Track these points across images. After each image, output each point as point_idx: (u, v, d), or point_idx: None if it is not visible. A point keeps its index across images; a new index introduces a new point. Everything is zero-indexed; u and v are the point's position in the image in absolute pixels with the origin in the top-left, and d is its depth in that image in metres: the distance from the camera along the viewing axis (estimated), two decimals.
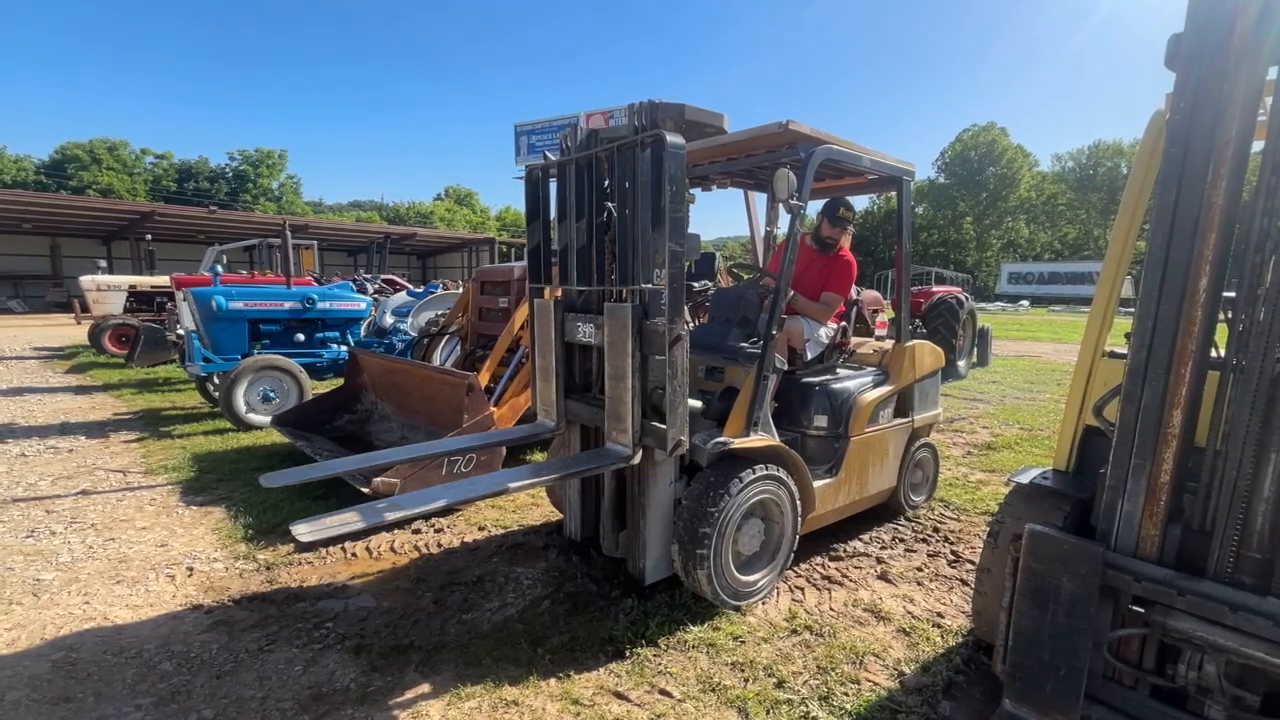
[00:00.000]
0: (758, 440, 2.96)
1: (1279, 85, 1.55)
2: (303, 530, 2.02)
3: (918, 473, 4.17)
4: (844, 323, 3.90)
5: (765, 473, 2.92)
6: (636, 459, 2.72)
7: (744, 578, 2.94)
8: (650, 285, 2.64)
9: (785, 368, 3.35)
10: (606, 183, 2.87)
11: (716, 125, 2.78)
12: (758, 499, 2.92)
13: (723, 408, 3.12)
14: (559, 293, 3.11)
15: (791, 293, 3.42)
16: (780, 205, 4.28)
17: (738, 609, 2.91)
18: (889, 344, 3.97)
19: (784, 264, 3.03)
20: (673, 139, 2.49)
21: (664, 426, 2.62)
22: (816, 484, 3.25)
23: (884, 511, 4.05)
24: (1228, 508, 1.64)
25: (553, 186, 3.10)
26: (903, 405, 3.87)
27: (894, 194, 3.76)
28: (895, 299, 4.05)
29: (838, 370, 3.77)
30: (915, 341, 3.93)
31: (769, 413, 3.07)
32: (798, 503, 3.11)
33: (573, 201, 2.93)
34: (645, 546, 2.89)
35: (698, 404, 2.82)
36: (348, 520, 2.11)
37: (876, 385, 3.68)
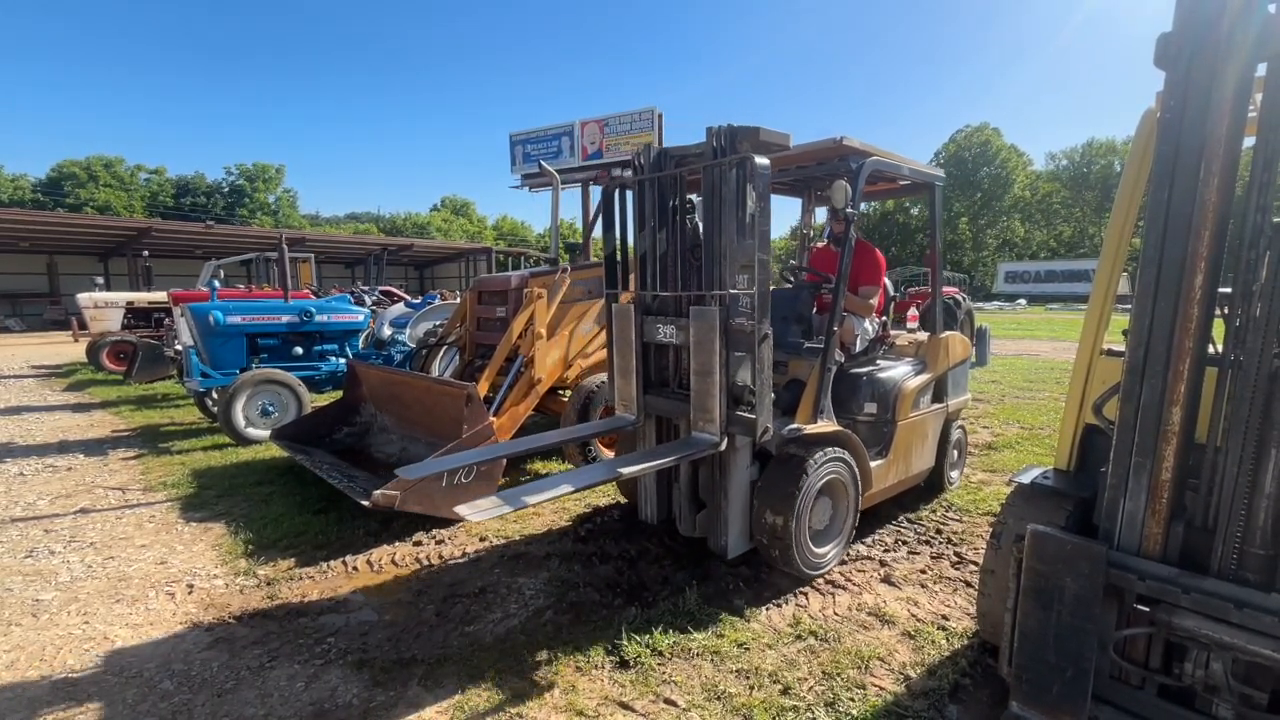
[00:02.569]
0: (825, 426, 3.26)
1: (1268, 81, 1.55)
2: (464, 510, 2.39)
3: (953, 453, 4.53)
4: (884, 317, 4.22)
5: (833, 455, 3.23)
6: (724, 445, 2.99)
7: (817, 550, 3.23)
8: (735, 290, 2.93)
9: (843, 360, 3.64)
10: (692, 197, 3.20)
11: (783, 144, 3.01)
12: (827, 479, 3.21)
13: (789, 398, 3.41)
14: (630, 297, 3.40)
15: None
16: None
17: (813, 578, 3.21)
18: (921, 336, 4.34)
19: (841, 267, 3.32)
20: (760, 160, 2.75)
21: (752, 416, 2.91)
22: (871, 465, 3.53)
23: (927, 489, 4.41)
24: (1230, 504, 1.64)
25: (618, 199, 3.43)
26: (939, 391, 4.19)
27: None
28: (906, 300, 4.38)
29: (878, 361, 4.03)
30: (947, 333, 4.24)
31: (830, 402, 3.35)
32: (858, 482, 3.41)
33: (655, 214, 3.23)
34: (727, 525, 3.17)
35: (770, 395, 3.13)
36: (498, 504, 2.45)
37: (917, 374, 3.98)
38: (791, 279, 4.43)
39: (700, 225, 3.15)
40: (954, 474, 4.61)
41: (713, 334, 2.91)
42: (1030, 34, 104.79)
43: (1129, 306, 1.78)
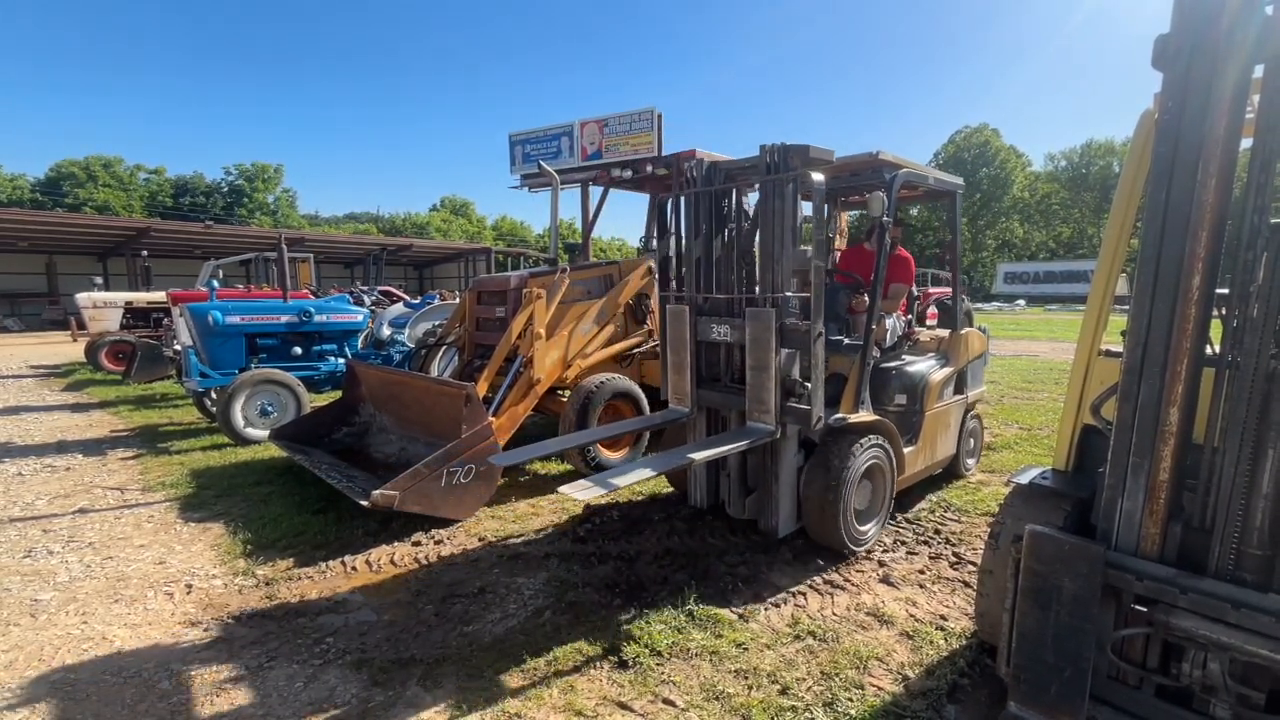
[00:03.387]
0: (866, 416, 3.54)
1: (1266, 83, 1.56)
2: (567, 489, 2.69)
3: (970, 441, 4.89)
4: (909, 315, 4.53)
5: (874, 442, 3.52)
6: (779, 434, 3.28)
7: (860, 527, 3.52)
8: (792, 293, 3.23)
9: (879, 355, 3.90)
10: (749, 206, 3.52)
11: (828, 159, 3.30)
12: (869, 464, 3.51)
13: (832, 391, 3.63)
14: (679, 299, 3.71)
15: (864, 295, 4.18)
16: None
17: (855, 553, 3.49)
18: (941, 332, 4.69)
19: (878, 270, 3.57)
20: (817, 177, 3.05)
21: (805, 407, 3.20)
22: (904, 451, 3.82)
23: (945, 475, 4.71)
24: (1227, 504, 1.64)
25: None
26: (959, 383, 4.52)
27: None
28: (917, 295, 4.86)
29: (904, 356, 4.30)
30: (967, 330, 4.57)
31: (868, 394, 3.62)
32: (895, 466, 3.72)
33: (712, 222, 3.54)
34: (778, 507, 3.45)
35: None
36: (588, 486, 2.74)
37: (941, 367, 4.30)
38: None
39: (747, 232, 3.48)
40: (970, 461, 4.92)
41: (768, 333, 3.19)
42: (1029, 35, 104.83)
43: (1128, 308, 1.79)
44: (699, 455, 3.06)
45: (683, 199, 3.63)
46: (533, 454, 3.42)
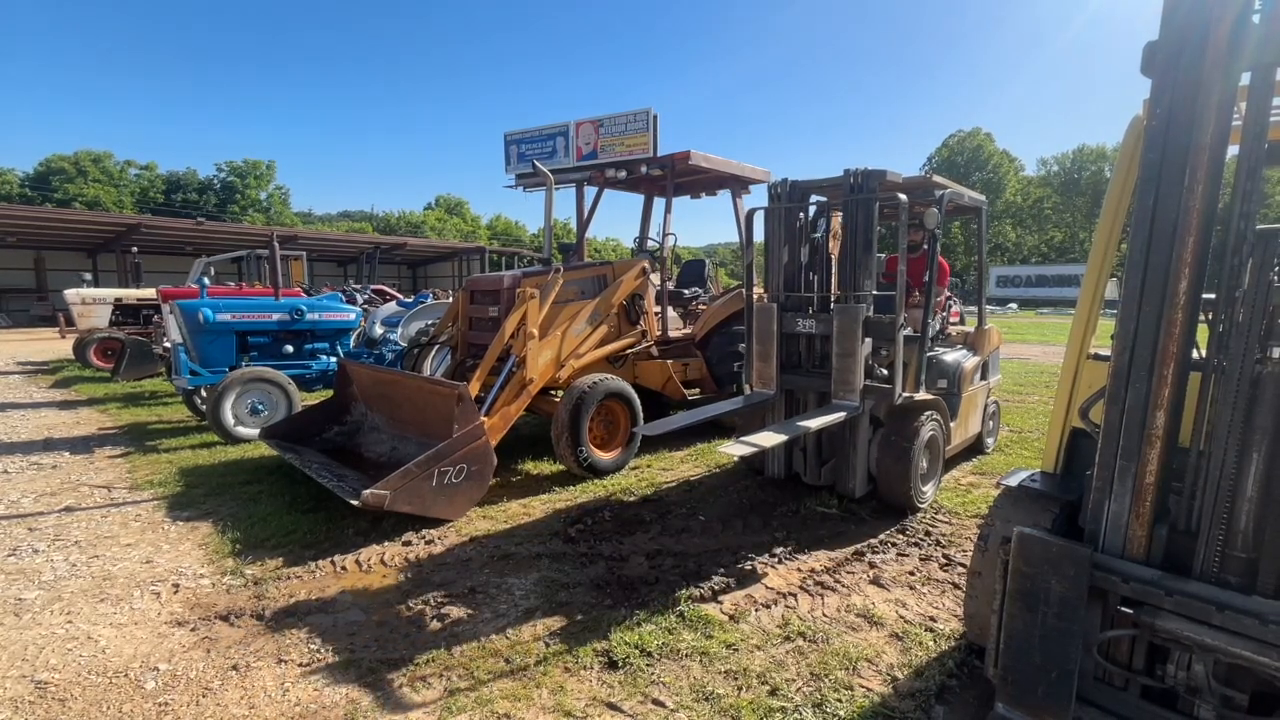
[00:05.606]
0: (927, 395, 4.15)
1: (1252, 91, 1.57)
2: (725, 448, 3.18)
3: (989, 422, 5.62)
4: (944, 313, 5.12)
5: (933, 416, 4.15)
6: (861, 410, 3.84)
7: (923, 488, 4.17)
8: (876, 292, 3.88)
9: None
10: (841, 219, 4.14)
11: (897, 180, 3.96)
12: (930, 435, 4.13)
13: (890, 376, 4.13)
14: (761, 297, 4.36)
15: (917, 293, 4.79)
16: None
17: (920, 509, 4.13)
18: (966, 328, 5.42)
19: (930, 275, 4.08)
20: (902, 198, 3.75)
21: (889, 386, 3.84)
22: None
23: (970, 450, 5.44)
24: (1212, 507, 1.66)
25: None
26: (984, 371, 5.20)
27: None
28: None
29: (937, 348, 4.87)
30: (989, 326, 5.30)
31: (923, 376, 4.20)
32: (946, 438, 4.36)
33: (794, 233, 4.16)
34: (854, 472, 4.06)
35: (885, 371, 3.90)
36: (741, 444, 3.21)
37: (972, 356, 4.99)
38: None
39: (821, 240, 4.11)
40: (989, 440, 5.67)
41: (855, 325, 3.77)
42: (1024, 40, 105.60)
43: (1117, 312, 1.80)
44: (812, 423, 3.55)
45: (768, 212, 4.22)
46: (677, 424, 3.84)
